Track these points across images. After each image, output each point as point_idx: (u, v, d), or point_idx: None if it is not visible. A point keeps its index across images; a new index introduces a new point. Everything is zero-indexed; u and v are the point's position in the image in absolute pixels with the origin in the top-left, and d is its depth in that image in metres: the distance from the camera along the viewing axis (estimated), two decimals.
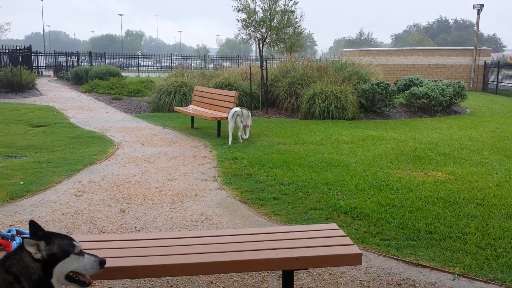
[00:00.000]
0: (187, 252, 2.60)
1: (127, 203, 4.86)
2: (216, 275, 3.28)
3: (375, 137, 8.80)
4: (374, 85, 12.20)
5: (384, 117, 12.08)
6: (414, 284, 3.20)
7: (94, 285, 3.13)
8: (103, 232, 4.07)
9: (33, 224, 1.95)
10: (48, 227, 4.11)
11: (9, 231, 2.81)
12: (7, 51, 25.56)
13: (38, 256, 1.84)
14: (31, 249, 1.82)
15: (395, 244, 3.80)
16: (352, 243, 2.73)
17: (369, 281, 3.25)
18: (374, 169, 6.27)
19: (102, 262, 2.02)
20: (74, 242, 1.97)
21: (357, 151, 7.48)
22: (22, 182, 5.46)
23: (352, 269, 3.40)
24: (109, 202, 4.88)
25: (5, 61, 25.27)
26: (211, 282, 3.20)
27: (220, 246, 2.67)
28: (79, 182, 5.60)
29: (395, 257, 3.59)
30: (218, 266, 2.51)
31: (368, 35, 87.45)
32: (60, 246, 1.90)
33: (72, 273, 1.95)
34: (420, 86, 13.83)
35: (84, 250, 2.03)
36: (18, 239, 2.66)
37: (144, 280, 3.19)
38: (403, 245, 3.80)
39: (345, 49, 33.08)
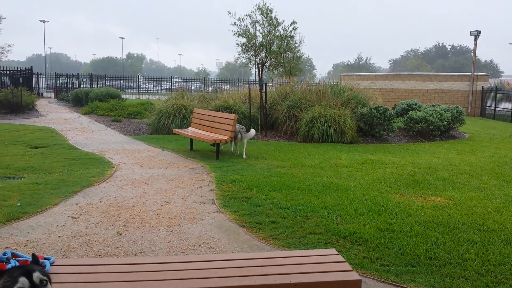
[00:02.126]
0: (184, 277, 2.56)
1: (124, 226, 4.82)
2: None
3: (374, 161, 8.81)
4: (372, 109, 12.28)
5: (383, 141, 12.11)
6: None
7: None
8: (99, 255, 4.03)
9: (33, 257, 1.99)
10: (44, 249, 4.06)
11: (4, 254, 2.77)
12: (8, 72, 25.76)
13: None
14: None
15: (395, 270, 3.76)
16: (352, 269, 2.70)
17: None
18: (373, 193, 6.25)
19: None
20: (21, 279, 1.74)
21: (356, 175, 7.47)
22: (19, 204, 5.43)
23: None
24: (106, 224, 4.84)
25: (5, 82, 25.44)
26: None
27: (218, 271, 2.64)
28: (76, 204, 5.56)
29: (394, 283, 3.55)
30: None
31: (366, 60, 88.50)
32: (2, 281, 1.78)
33: None
34: (418, 110, 13.93)
35: None
36: (13, 262, 2.62)
37: None
38: (402, 271, 3.75)
39: (344, 74, 33.40)
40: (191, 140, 10.02)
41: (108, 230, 4.66)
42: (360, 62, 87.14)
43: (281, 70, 13.98)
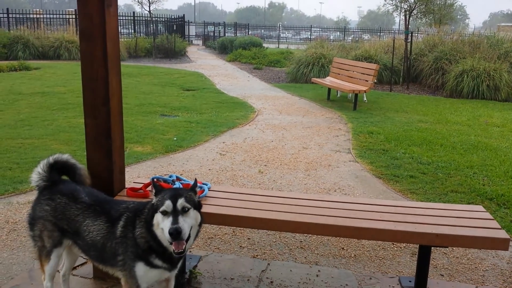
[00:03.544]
0: (324, 214, 2.70)
1: (265, 165, 5.16)
2: (348, 242, 3.36)
3: None
4: None
5: None
6: None
7: (235, 234, 3.45)
8: None
9: (194, 182, 2.17)
10: (196, 178, 4.57)
11: (170, 176, 3.22)
12: (163, 20, 28.08)
13: (153, 201, 2.00)
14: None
15: None
16: (500, 227, 2.57)
17: None
18: None
19: (171, 232, 1.80)
20: (167, 201, 1.88)
21: (509, 136, 6.79)
22: (175, 138, 6.13)
23: (494, 257, 3.20)
24: (249, 163, 5.23)
25: (161, 29, 27.84)
26: (342, 248, 3.29)
27: (358, 213, 2.72)
28: (223, 142, 6.08)
29: None
30: (354, 231, 2.57)
31: None
32: (156, 199, 1.95)
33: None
34: None
35: (180, 216, 1.86)
36: (177, 184, 3.03)
37: (280, 236, 3.42)
38: None
39: (503, 24, 29.46)
40: (329, 89, 10.01)
41: (251, 168, 5.04)
42: None
43: (430, 18, 12.95)
